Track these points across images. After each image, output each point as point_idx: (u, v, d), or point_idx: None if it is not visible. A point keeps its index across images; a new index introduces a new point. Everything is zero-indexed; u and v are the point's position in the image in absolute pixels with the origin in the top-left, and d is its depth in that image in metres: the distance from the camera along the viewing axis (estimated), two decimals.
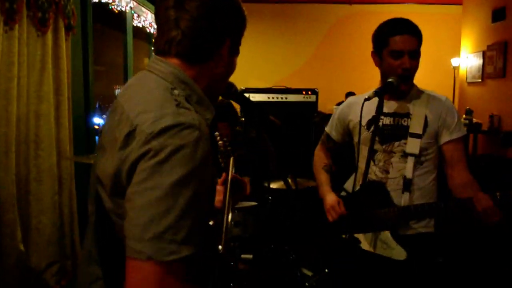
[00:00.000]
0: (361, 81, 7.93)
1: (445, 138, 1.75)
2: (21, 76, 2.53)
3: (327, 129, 2.08)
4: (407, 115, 1.77)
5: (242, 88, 5.36)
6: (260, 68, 8.14)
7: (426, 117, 1.75)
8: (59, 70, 2.86)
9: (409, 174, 1.73)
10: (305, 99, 5.35)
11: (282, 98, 5.30)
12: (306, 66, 8.34)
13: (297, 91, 5.37)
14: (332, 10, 8.33)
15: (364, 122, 1.84)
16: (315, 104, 5.36)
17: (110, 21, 4.39)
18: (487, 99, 6.37)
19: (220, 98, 1.26)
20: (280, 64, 8.30)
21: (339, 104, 6.78)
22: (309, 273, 2.91)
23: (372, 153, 1.77)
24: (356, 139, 1.89)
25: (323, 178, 2.05)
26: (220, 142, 1.58)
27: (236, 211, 2.75)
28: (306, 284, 2.56)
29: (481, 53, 6.46)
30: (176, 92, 0.92)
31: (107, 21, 4.35)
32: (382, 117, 1.78)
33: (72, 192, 2.94)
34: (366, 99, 1.64)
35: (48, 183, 2.70)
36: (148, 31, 4.87)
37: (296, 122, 5.15)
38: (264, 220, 3.03)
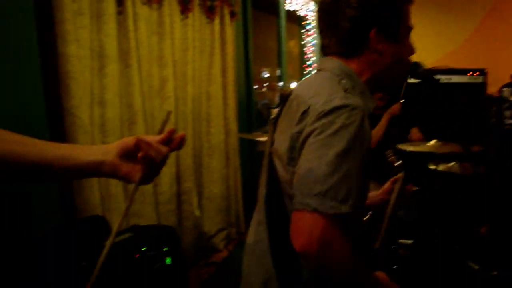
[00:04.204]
0: None
1: None
2: (194, 60, 2.79)
3: None
4: None
5: None
6: (422, 43, 7.63)
7: None
8: (225, 54, 3.08)
9: None
10: (471, 81, 4.87)
11: (445, 79, 4.89)
12: (467, 44, 7.57)
13: (462, 71, 4.90)
14: None
15: None
16: (483, 85, 4.84)
17: (263, 6, 4.54)
18: None
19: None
20: (440, 40, 7.68)
21: (505, 86, 5.98)
22: (476, 267, 2.65)
23: None
24: None
25: None
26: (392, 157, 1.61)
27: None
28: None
29: None
30: (343, 82, 1.06)
31: (260, 6, 4.52)
32: None
33: (237, 166, 3.16)
34: None
35: (218, 157, 2.95)
36: (298, 14, 4.91)
37: (460, 106, 4.71)
38: (427, 205, 2.86)
